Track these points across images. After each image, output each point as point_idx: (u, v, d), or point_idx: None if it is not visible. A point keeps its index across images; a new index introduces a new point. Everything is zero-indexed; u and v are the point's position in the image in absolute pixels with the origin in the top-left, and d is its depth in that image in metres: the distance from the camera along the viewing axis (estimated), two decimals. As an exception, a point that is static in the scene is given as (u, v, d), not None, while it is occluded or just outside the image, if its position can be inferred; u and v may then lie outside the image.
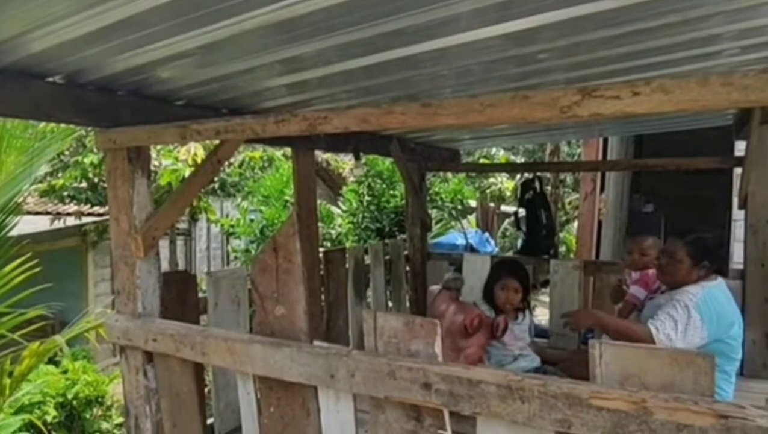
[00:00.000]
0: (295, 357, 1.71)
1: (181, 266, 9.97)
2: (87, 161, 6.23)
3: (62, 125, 4.14)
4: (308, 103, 2.55)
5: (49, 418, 4.61)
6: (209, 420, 2.59)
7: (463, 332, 2.49)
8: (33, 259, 3.08)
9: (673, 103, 1.17)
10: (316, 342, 1.77)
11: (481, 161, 11.09)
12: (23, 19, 1.47)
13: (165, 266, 9.53)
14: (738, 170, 4.58)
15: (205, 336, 1.92)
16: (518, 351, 2.88)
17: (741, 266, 3.46)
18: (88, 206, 7.73)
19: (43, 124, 3.71)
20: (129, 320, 2.13)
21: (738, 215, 4.61)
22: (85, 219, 8.17)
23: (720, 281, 2.56)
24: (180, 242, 10.74)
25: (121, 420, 5.41)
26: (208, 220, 10.14)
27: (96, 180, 7.10)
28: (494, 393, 1.40)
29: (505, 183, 12.30)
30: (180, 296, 2.49)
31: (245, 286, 2.80)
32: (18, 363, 2.97)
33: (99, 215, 8.25)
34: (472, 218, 12.02)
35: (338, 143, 3.65)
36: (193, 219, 10.11)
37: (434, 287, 2.92)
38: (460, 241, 8.92)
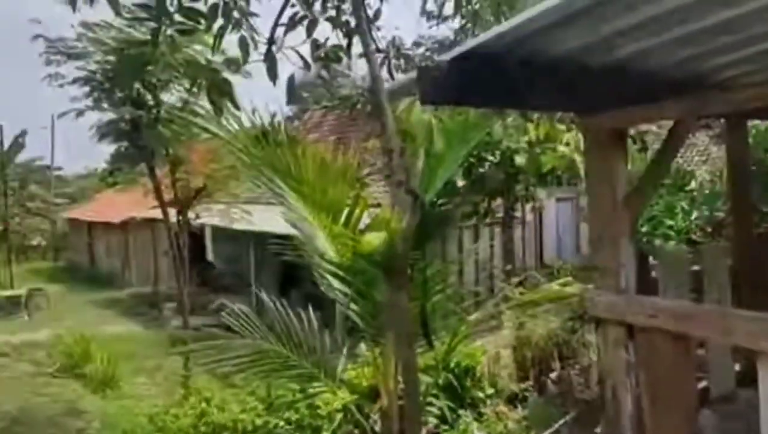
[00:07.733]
0: None
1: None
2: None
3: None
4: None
5: (440, 381, 5.27)
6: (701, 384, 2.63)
7: None
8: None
9: None
10: None
11: None
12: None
13: (499, 251, 10.03)
14: None
15: (723, 315, 1.85)
16: None
17: None
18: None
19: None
20: (613, 296, 2.22)
21: None
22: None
23: None
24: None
25: (491, 391, 5.87)
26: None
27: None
28: None
29: None
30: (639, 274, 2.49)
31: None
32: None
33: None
34: None
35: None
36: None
37: None
38: None
